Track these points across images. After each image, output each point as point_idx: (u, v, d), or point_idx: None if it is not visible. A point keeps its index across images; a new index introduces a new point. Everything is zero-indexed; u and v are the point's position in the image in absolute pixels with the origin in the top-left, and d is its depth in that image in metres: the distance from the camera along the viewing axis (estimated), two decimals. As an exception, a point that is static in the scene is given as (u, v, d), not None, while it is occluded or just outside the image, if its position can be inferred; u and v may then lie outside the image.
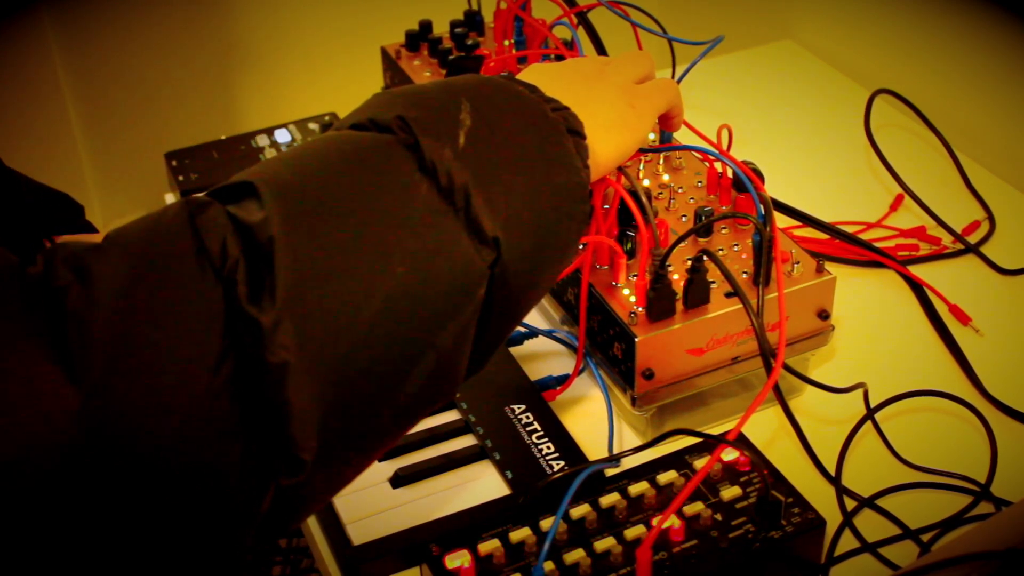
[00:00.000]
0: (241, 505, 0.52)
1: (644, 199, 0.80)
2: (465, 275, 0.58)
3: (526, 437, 0.84)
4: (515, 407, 0.87)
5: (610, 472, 0.79)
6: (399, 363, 0.56)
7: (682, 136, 0.94)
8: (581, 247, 0.83)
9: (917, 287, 0.98)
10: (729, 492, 0.74)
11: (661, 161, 0.98)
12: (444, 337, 0.58)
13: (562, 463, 0.82)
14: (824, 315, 0.86)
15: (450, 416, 0.87)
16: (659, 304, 0.80)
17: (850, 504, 0.81)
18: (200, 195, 0.56)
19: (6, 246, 0.52)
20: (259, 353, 0.51)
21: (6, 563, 0.47)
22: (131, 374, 0.49)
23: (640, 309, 0.81)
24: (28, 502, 0.47)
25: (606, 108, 0.74)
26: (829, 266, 0.86)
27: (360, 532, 0.78)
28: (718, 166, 0.93)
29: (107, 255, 0.52)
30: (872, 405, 0.87)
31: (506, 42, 1.13)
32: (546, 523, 0.73)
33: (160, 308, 0.51)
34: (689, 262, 0.82)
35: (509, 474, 0.82)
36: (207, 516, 0.52)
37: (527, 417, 0.86)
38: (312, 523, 0.82)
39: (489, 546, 0.71)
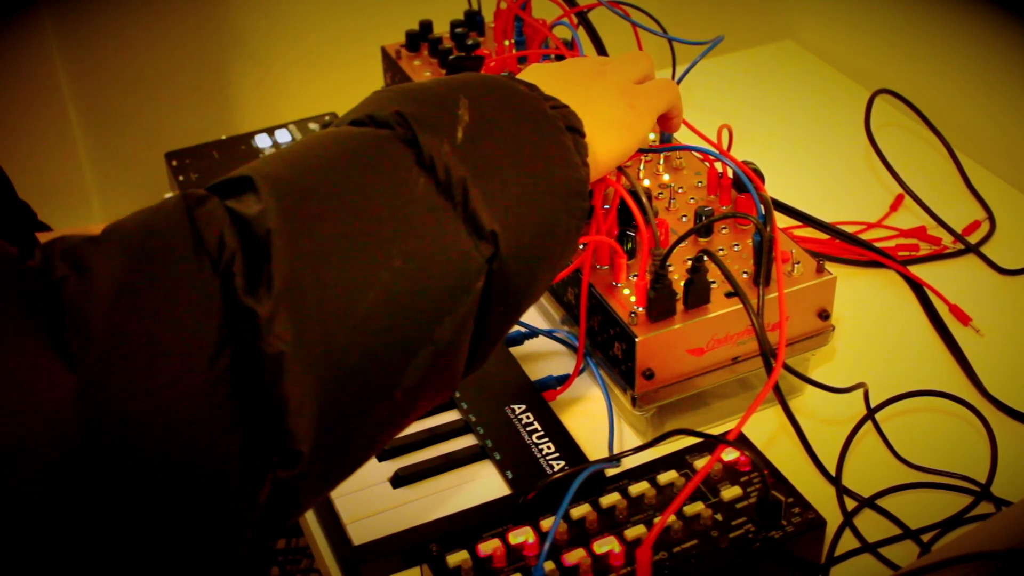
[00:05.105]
0: (239, 497, 0.52)
1: (644, 199, 0.80)
2: (463, 269, 0.59)
3: (526, 437, 0.84)
4: (515, 407, 0.87)
5: (610, 472, 0.79)
6: (396, 356, 0.56)
7: (682, 136, 0.94)
8: (581, 247, 0.83)
9: (917, 287, 0.98)
10: (729, 492, 0.74)
11: (661, 161, 0.98)
12: (442, 331, 0.58)
13: (562, 463, 0.82)
14: (824, 315, 0.86)
15: (450, 416, 0.87)
16: (659, 304, 0.80)
17: (850, 504, 0.81)
18: (198, 189, 0.56)
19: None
20: (256, 344, 0.51)
21: (1, 554, 0.47)
22: (128, 365, 0.49)
23: (640, 309, 0.81)
24: (24, 492, 0.47)
25: (605, 108, 0.74)
26: (829, 266, 0.86)
27: (360, 532, 0.78)
28: (718, 166, 0.93)
29: (105, 248, 0.52)
30: (872, 405, 0.87)
31: (506, 42, 1.13)
32: (546, 523, 0.73)
33: (157, 300, 0.51)
34: (689, 262, 0.82)
35: (509, 474, 0.82)
36: (205, 508, 0.52)
37: (527, 417, 0.86)
38: (312, 523, 0.82)
39: (489, 546, 0.71)
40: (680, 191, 0.94)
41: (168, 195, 1.18)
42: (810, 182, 1.18)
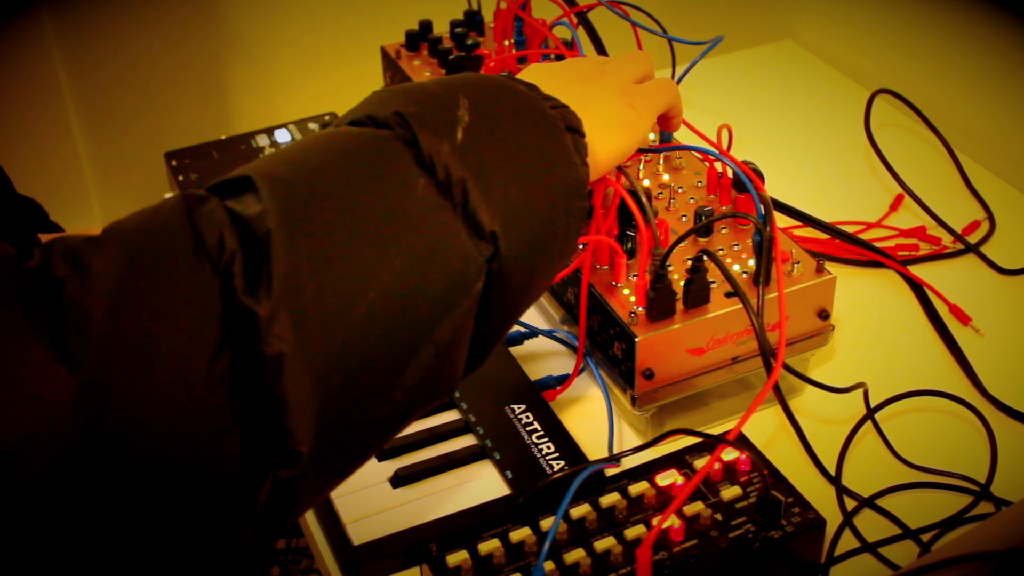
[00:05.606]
0: (239, 498, 0.52)
1: (644, 199, 0.80)
2: (463, 269, 0.59)
3: (526, 437, 0.84)
4: (515, 407, 0.87)
5: (610, 472, 0.79)
6: (396, 356, 0.56)
7: (682, 136, 0.94)
8: (581, 247, 0.83)
9: (917, 287, 0.98)
10: (729, 492, 0.74)
11: (661, 161, 0.98)
12: (442, 331, 0.58)
13: (562, 463, 0.82)
14: (824, 315, 0.86)
15: (450, 416, 0.87)
16: (659, 304, 0.80)
17: (850, 504, 0.81)
18: (198, 189, 0.56)
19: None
20: (256, 344, 0.51)
21: (1, 554, 0.47)
22: (128, 365, 0.49)
23: (640, 309, 0.81)
24: (24, 492, 0.47)
25: (605, 107, 0.74)
26: (829, 266, 0.86)
27: (360, 532, 0.78)
28: (718, 166, 0.93)
29: (105, 248, 0.52)
30: (872, 405, 0.87)
31: (506, 42, 1.13)
32: (546, 523, 0.73)
33: (157, 300, 0.51)
34: (689, 262, 0.82)
35: (509, 474, 0.82)
36: (205, 508, 0.52)
37: (527, 417, 0.86)
38: (312, 523, 0.82)
39: (489, 546, 0.71)
40: (680, 191, 0.94)
41: (168, 195, 1.18)
42: (810, 182, 1.18)
